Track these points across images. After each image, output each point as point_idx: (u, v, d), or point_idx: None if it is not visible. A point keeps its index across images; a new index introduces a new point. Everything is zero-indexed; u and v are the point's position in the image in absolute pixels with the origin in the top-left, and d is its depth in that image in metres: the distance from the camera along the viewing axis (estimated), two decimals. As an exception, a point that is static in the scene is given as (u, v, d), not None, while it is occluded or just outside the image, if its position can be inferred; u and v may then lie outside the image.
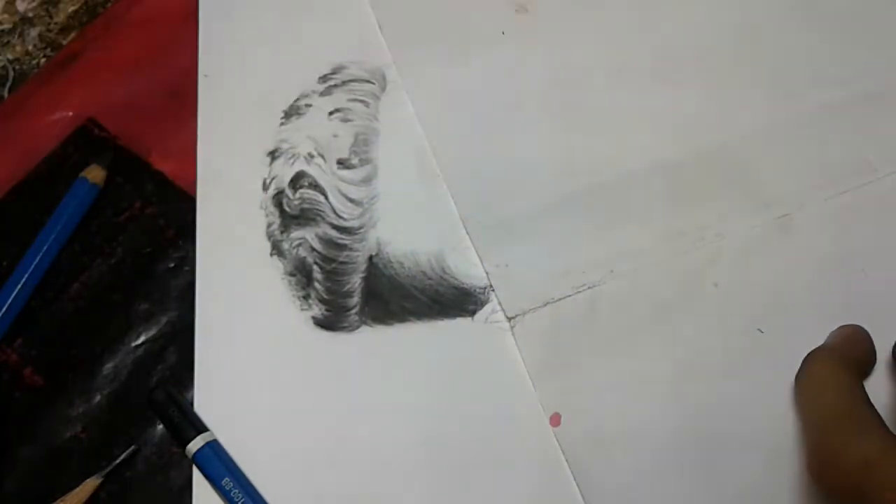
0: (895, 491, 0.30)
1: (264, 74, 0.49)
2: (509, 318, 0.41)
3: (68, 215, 0.46)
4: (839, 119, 0.42)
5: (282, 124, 0.47)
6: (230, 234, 0.45)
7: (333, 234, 0.45)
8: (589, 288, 0.41)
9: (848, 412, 0.33)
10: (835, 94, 0.42)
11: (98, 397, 0.43)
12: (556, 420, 0.39)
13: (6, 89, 0.51)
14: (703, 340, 0.39)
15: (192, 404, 0.42)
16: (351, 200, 0.45)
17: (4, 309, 0.44)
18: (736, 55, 0.46)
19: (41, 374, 0.44)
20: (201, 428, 0.41)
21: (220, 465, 0.40)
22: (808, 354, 0.37)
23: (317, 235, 0.45)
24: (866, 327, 0.38)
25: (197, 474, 0.41)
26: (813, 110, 0.42)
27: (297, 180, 0.46)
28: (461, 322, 0.42)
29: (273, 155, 0.47)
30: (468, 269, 0.43)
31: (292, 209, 0.45)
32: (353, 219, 0.45)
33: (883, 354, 0.38)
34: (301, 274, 0.44)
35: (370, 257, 0.44)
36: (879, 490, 0.30)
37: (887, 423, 0.35)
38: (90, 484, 0.41)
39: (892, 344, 0.37)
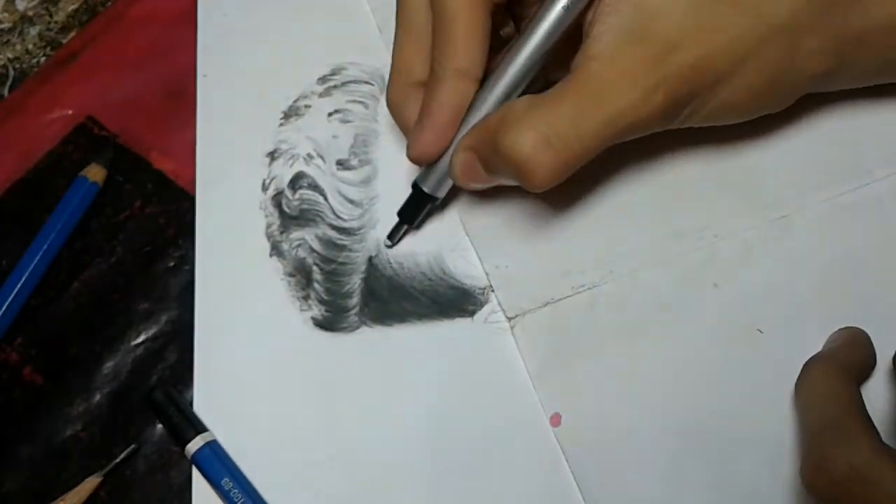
0: (881, 501, 0.30)
1: (263, 75, 0.49)
2: (509, 319, 0.41)
3: (68, 214, 0.46)
4: (837, 120, 0.42)
5: (281, 125, 0.47)
6: (229, 234, 0.45)
7: (333, 234, 0.45)
8: (589, 288, 0.41)
9: (839, 421, 0.33)
10: (833, 94, 0.43)
11: (98, 396, 0.43)
12: (556, 420, 0.40)
13: (6, 88, 0.51)
14: (703, 340, 0.40)
15: (191, 404, 0.42)
16: (350, 201, 0.45)
17: (4, 308, 0.44)
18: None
19: (41, 373, 0.44)
20: (201, 428, 0.41)
21: (219, 466, 0.40)
22: (807, 362, 0.37)
23: (316, 236, 0.45)
24: (865, 328, 0.38)
25: (196, 474, 0.41)
26: (811, 112, 0.42)
27: (296, 181, 0.46)
28: (461, 322, 0.42)
29: (272, 156, 0.47)
30: (468, 269, 0.43)
31: (292, 210, 0.45)
32: (352, 220, 0.45)
33: (882, 358, 0.38)
34: (301, 275, 0.44)
35: (370, 258, 0.44)
36: (865, 500, 0.31)
37: (885, 429, 0.36)
38: (90, 483, 0.41)
39: (893, 350, 0.37)
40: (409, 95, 0.40)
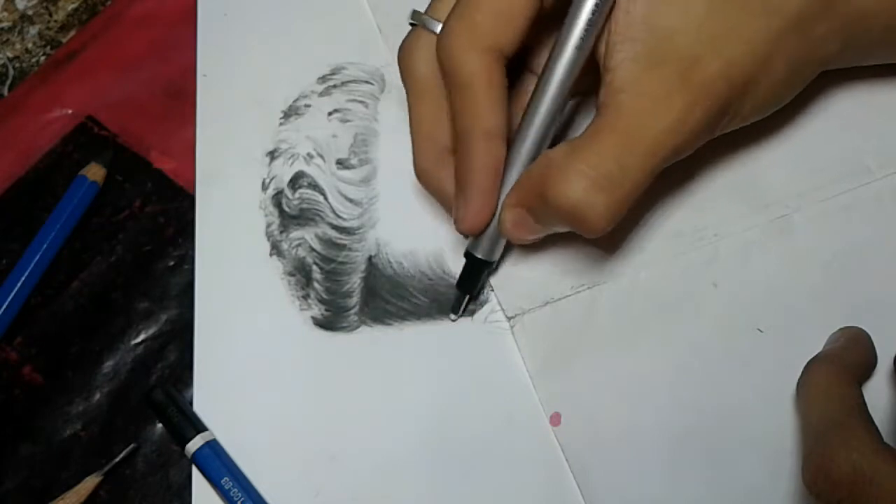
0: (884, 501, 0.30)
1: (263, 75, 0.49)
2: (509, 318, 0.42)
3: (68, 213, 0.46)
4: (837, 120, 0.42)
5: (281, 124, 0.47)
6: (229, 234, 0.45)
7: (333, 234, 0.45)
8: (589, 288, 0.41)
9: (841, 422, 0.33)
10: (832, 94, 0.43)
11: (98, 395, 0.43)
12: (556, 420, 0.40)
13: (6, 87, 0.51)
14: (703, 340, 0.40)
15: (191, 403, 0.42)
16: (350, 200, 0.45)
17: (4, 307, 0.44)
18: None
19: (41, 373, 0.44)
20: (200, 427, 0.41)
21: (219, 465, 0.40)
22: (808, 362, 0.37)
23: (316, 235, 0.45)
24: (865, 328, 0.38)
25: (196, 473, 0.41)
26: (811, 111, 0.42)
27: (296, 180, 0.46)
28: (461, 322, 0.42)
29: (272, 155, 0.47)
30: (468, 268, 0.43)
31: (291, 209, 0.45)
32: (352, 219, 0.45)
33: (883, 359, 0.38)
34: (300, 274, 0.44)
35: (369, 257, 0.44)
36: (867, 501, 0.31)
37: (886, 429, 0.36)
38: (90, 482, 0.41)
39: (894, 350, 0.38)
40: (440, 163, 0.39)
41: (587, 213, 0.34)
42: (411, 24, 0.39)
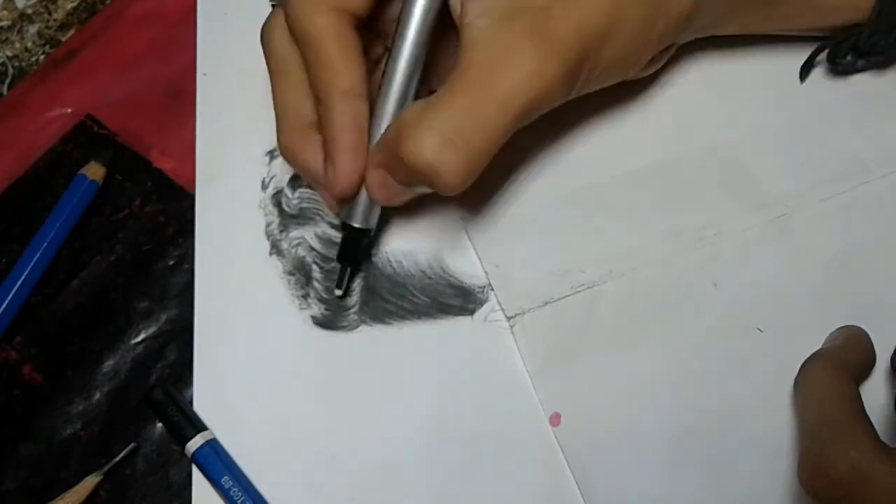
0: (881, 500, 0.30)
1: (263, 74, 0.48)
2: (509, 318, 0.42)
3: (67, 213, 0.46)
4: (836, 119, 0.42)
5: (280, 123, 0.47)
6: (229, 233, 0.45)
7: (332, 233, 0.45)
8: (589, 288, 0.41)
9: (839, 421, 0.33)
10: (832, 93, 0.43)
11: (97, 395, 0.43)
12: (556, 420, 0.40)
13: (5, 86, 0.51)
14: (703, 340, 0.40)
15: (191, 403, 0.42)
16: (350, 200, 0.45)
17: (4, 306, 0.44)
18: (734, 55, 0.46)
19: (40, 372, 0.44)
20: (200, 427, 0.41)
21: (219, 464, 0.40)
22: (806, 360, 0.37)
23: (316, 235, 0.45)
24: (864, 327, 0.38)
25: (196, 472, 0.41)
26: (810, 110, 0.42)
27: (295, 180, 0.46)
28: (460, 321, 0.42)
29: (272, 154, 0.47)
30: (467, 268, 0.43)
31: (291, 208, 0.45)
32: (352, 218, 0.45)
33: (882, 358, 0.38)
34: (300, 273, 0.44)
35: (369, 256, 0.44)
36: (864, 499, 0.31)
37: (883, 428, 0.36)
38: (90, 481, 0.41)
39: (892, 349, 0.38)
40: (303, 138, 0.39)
41: (439, 169, 0.34)
42: (272, 6, 0.39)
